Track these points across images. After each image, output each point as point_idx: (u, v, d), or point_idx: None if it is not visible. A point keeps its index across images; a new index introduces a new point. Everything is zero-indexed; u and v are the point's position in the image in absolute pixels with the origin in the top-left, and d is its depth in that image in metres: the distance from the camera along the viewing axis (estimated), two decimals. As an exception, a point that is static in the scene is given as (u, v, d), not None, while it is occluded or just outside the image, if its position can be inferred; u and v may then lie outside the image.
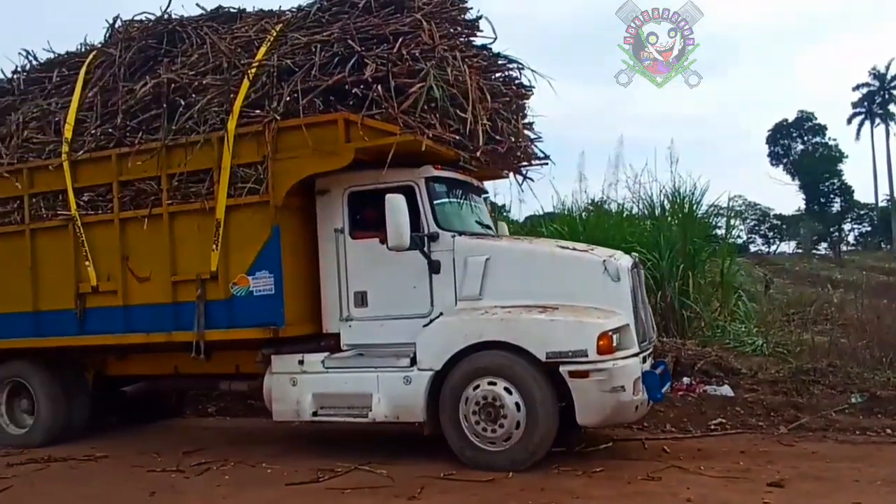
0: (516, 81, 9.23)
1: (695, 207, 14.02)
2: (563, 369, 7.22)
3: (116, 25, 9.90)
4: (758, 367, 10.31)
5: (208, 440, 9.73)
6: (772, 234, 78.92)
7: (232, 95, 8.38)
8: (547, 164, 9.75)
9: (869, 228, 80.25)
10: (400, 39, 8.00)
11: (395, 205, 7.69)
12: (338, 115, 7.84)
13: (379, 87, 7.74)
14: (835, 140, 74.86)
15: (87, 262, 9.03)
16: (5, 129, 9.83)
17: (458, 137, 7.98)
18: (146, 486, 7.59)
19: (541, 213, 15.79)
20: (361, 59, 7.96)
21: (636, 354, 7.58)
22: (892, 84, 74.55)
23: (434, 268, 7.95)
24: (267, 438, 9.78)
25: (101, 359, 9.84)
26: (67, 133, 9.22)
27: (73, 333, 9.16)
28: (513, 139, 8.91)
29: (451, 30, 8.61)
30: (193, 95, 8.63)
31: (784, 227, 77.64)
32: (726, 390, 9.65)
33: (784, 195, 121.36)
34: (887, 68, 74.61)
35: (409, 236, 7.71)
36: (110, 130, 9.00)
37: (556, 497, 6.56)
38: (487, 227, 9.10)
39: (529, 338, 7.35)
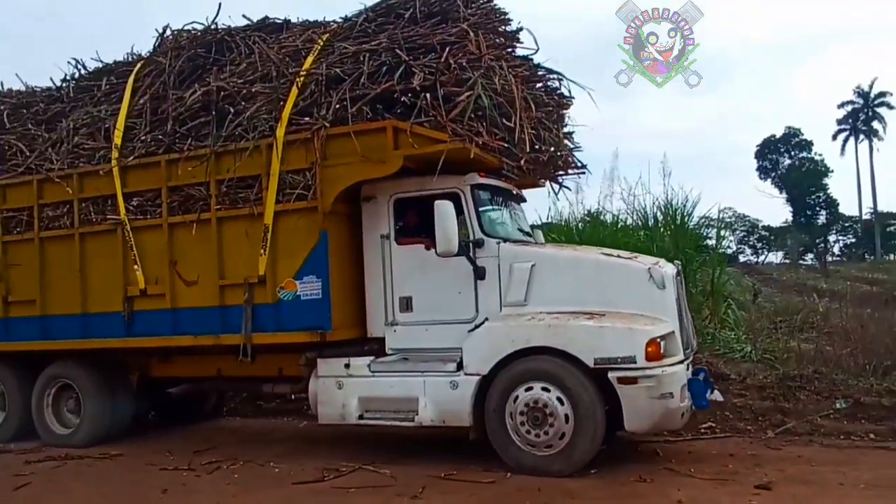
0: (557, 92, 8.88)
1: (686, 219, 13.79)
2: (611, 375, 6.88)
3: (165, 35, 9.58)
4: (746, 373, 10.03)
5: (219, 440, 9.53)
6: (760, 244, 78.60)
7: (281, 103, 8.04)
8: (584, 173, 9.42)
9: (853, 240, 79.90)
10: (447, 49, 7.64)
11: (444, 211, 7.37)
12: (387, 122, 7.51)
13: (427, 96, 7.41)
14: (820, 155, 75.00)
15: (135, 266, 8.67)
16: (56, 135, 9.48)
17: (505, 145, 7.65)
18: (159, 484, 7.42)
19: (539, 223, 15.37)
20: (409, 68, 7.62)
21: (681, 361, 7.24)
22: (876, 102, 74.30)
23: (479, 274, 7.62)
24: (274, 438, 9.68)
25: (145, 361, 9.49)
26: (117, 139, 8.89)
27: (120, 336, 8.80)
28: (552, 148, 8.59)
29: (496, 40, 8.28)
30: (243, 103, 8.30)
31: (772, 238, 77.42)
32: (716, 395, 9.28)
33: (772, 208, 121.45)
34: (871, 87, 74.52)
35: (458, 242, 7.41)
36: (160, 137, 8.67)
37: (552, 497, 6.39)
38: (528, 234, 8.77)
39: (578, 344, 7.00)
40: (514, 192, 8.78)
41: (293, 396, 10.18)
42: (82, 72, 10.23)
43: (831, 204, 74.24)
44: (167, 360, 9.31)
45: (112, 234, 8.84)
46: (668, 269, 7.58)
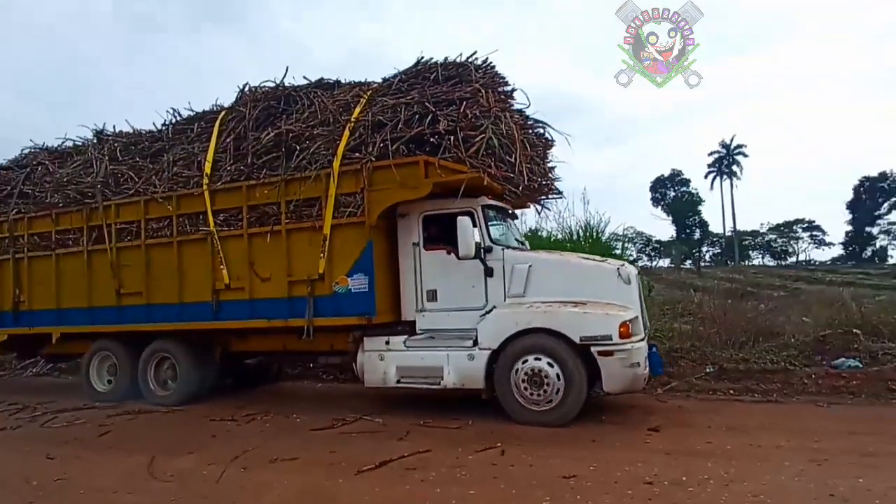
0: (543, 137, 8.59)
1: (600, 235, 13.70)
2: (593, 349, 6.62)
3: (245, 91, 9.13)
4: (643, 347, 9.97)
5: (255, 398, 9.15)
6: (653, 254, 79.25)
7: (336, 142, 7.68)
8: (562, 197, 9.14)
9: (719, 251, 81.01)
10: (464, 103, 7.37)
11: (465, 225, 7.12)
12: (419, 157, 7.16)
13: (452, 138, 7.12)
14: (696, 189, 76.16)
15: (221, 266, 8.23)
16: (159, 166, 9.01)
17: (512, 175, 7.37)
18: (209, 431, 7.23)
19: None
20: (435, 117, 7.32)
21: (643, 339, 6.99)
22: (735, 152, 75.66)
23: (489, 272, 7.31)
24: (297, 397, 9.29)
25: (225, 338, 8.94)
26: (207, 169, 8.45)
27: (209, 319, 8.35)
28: (540, 179, 8.31)
29: (499, 96, 7.98)
30: (307, 142, 7.91)
31: (661, 249, 78.04)
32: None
33: (661, 227, 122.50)
34: (731, 141, 76.00)
35: (475, 248, 7.13)
36: (241, 168, 8.24)
37: (501, 438, 6.26)
38: (522, 242, 8.48)
39: (568, 325, 6.72)
40: (510, 211, 8.48)
41: (311, 364, 10.02)
42: (177, 118, 9.75)
43: (704, 225, 75.46)
44: (243, 338, 8.78)
45: (203, 242, 8.38)
46: (632, 269, 7.34)
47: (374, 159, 7.35)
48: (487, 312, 7.23)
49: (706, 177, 77.58)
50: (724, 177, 76.63)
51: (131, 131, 10.07)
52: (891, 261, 70.68)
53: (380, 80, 8.42)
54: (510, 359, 6.92)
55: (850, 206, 77.19)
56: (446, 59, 8.12)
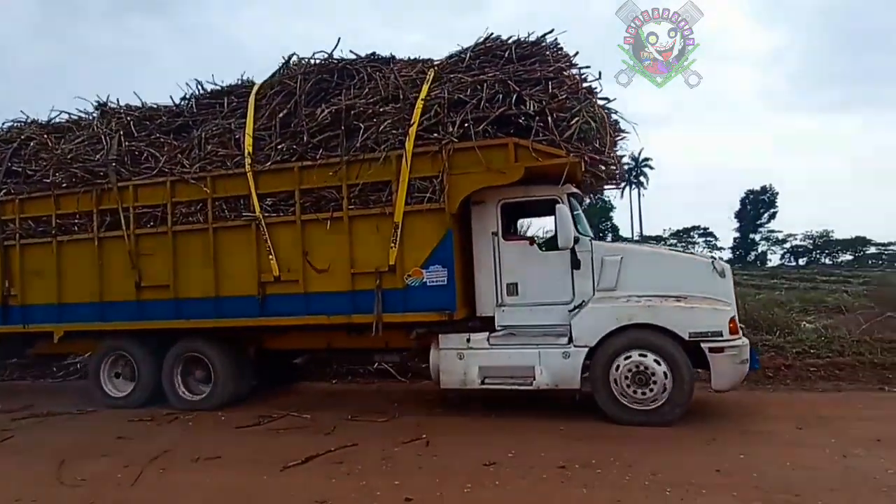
0: (616, 123, 7.73)
1: None
2: (703, 346, 5.88)
3: (291, 62, 7.77)
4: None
5: None
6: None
7: (407, 121, 6.56)
8: (618, 187, 8.33)
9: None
10: (549, 82, 6.44)
11: (564, 214, 6.24)
12: (508, 139, 6.20)
13: (548, 119, 6.17)
14: (608, 197, 77.33)
15: (270, 256, 6.90)
16: (187, 143, 7.50)
17: (610, 160, 6.51)
18: (126, 432, 6.46)
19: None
20: (520, 96, 6.35)
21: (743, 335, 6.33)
22: (642, 164, 77.92)
23: (576, 264, 6.41)
24: None
25: (259, 336, 7.56)
26: (248, 147, 7.08)
27: (255, 315, 6.99)
28: (613, 166, 7.48)
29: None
30: (374, 119, 6.74)
31: (576, 251, 79.52)
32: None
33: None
34: (639, 154, 77.22)
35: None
36: (294, 147, 6.93)
37: (426, 429, 6.03)
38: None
39: (674, 321, 5.96)
40: (583, 198, 7.60)
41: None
42: (201, 91, 8.22)
43: (615, 229, 77.06)
44: (280, 334, 7.44)
45: (245, 229, 7.02)
46: (725, 263, 6.63)
47: (455, 140, 6.30)
48: (578, 307, 6.35)
49: (617, 186, 79.78)
50: (633, 186, 79.13)
51: (140, 105, 8.46)
52: (770, 264, 75.39)
53: (444, 58, 7.32)
54: (609, 356, 6.08)
55: (737, 215, 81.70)
56: (514, 36, 7.17)
